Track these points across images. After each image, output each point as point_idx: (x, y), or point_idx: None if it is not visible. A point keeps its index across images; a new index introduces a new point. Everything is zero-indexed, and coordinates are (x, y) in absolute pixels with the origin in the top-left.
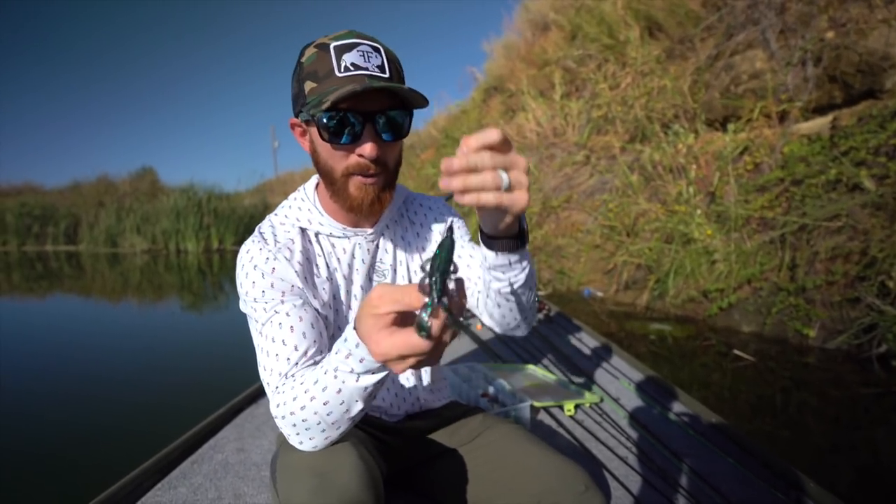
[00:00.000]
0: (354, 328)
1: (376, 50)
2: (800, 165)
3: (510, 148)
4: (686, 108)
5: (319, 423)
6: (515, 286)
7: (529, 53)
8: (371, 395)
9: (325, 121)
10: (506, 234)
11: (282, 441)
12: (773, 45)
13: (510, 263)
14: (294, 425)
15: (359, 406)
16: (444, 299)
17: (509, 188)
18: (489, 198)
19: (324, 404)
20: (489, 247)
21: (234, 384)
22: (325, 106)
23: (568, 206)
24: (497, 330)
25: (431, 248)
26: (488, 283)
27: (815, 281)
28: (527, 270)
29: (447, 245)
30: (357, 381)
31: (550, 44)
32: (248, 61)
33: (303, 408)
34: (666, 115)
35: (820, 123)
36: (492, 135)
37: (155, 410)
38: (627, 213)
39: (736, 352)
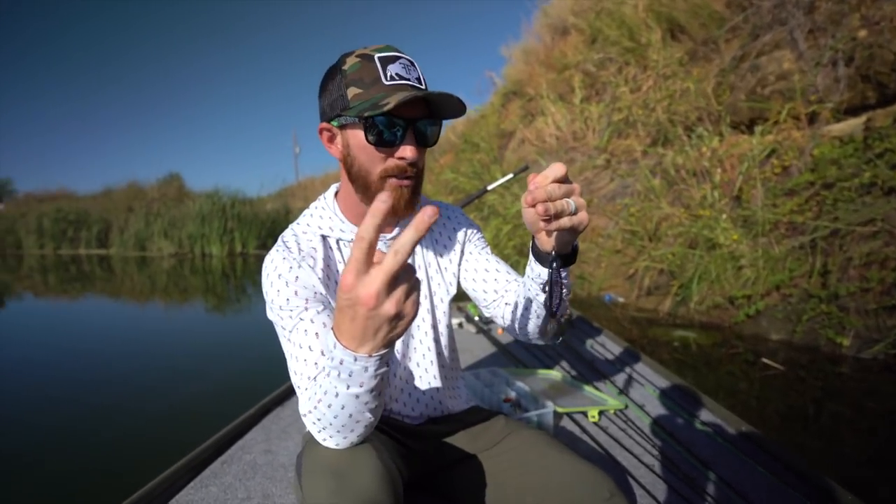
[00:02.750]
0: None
1: (412, 64)
2: (831, 168)
3: (569, 179)
4: (710, 110)
5: (332, 423)
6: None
7: (549, 57)
8: (367, 403)
9: (374, 123)
10: (562, 251)
11: (308, 439)
12: (801, 46)
13: (556, 279)
14: (315, 422)
15: (359, 413)
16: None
17: (575, 211)
18: (566, 222)
19: (328, 407)
20: (542, 263)
21: (261, 386)
22: (387, 108)
23: (588, 211)
24: (517, 337)
25: (452, 259)
26: (534, 296)
27: (848, 288)
28: (570, 286)
29: None
30: (347, 388)
31: (570, 48)
32: (271, 69)
33: (316, 407)
34: (689, 118)
35: (852, 125)
36: (559, 169)
37: (184, 411)
38: (649, 217)
39: (764, 360)
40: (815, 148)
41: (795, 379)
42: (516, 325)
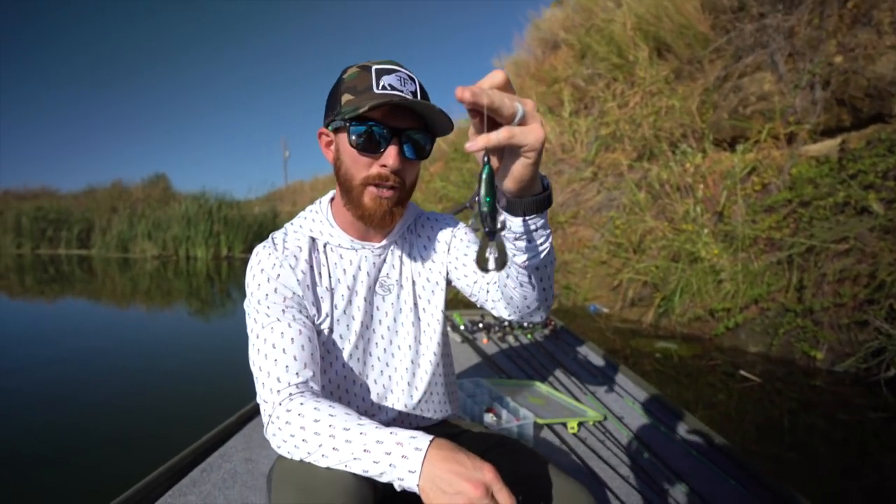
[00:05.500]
0: (427, 450)
1: (412, 79)
2: (808, 187)
3: (513, 91)
4: (694, 127)
5: (298, 452)
6: (541, 256)
7: (539, 71)
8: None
9: (357, 128)
10: (530, 192)
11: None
12: (781, 68)
13: (536, 229)
14: (279, 448)
15: (332, 465)
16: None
17: (524, 119)
18: (504, 134)
19: (308, 452)
20: (513, 212)
21: (243, 393)
22: (362, 110)
23: (575, 222)
24: (514, 317)
25: (438, 259)
26: (511, 259)
27: (822, 303)
28: (550, 238)
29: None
30: (353, 460)
31: (560, 62)
32: (262, 73)
33: (292, 437)
34: (674, 135)
35: (828, 146)
36: (497, 76)
37: (164, 417)
38: (634, 230)
39: (742, 372)
40: (793, 167)
41: (772, 391)
42: (503, 302)
